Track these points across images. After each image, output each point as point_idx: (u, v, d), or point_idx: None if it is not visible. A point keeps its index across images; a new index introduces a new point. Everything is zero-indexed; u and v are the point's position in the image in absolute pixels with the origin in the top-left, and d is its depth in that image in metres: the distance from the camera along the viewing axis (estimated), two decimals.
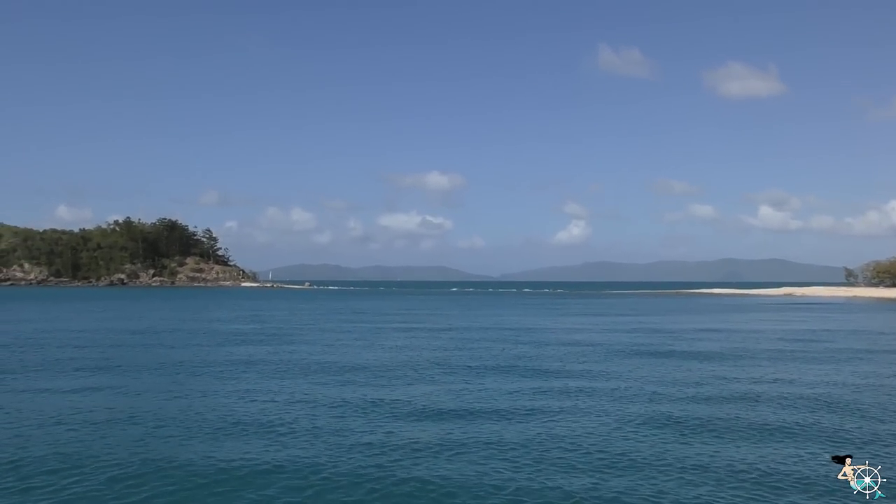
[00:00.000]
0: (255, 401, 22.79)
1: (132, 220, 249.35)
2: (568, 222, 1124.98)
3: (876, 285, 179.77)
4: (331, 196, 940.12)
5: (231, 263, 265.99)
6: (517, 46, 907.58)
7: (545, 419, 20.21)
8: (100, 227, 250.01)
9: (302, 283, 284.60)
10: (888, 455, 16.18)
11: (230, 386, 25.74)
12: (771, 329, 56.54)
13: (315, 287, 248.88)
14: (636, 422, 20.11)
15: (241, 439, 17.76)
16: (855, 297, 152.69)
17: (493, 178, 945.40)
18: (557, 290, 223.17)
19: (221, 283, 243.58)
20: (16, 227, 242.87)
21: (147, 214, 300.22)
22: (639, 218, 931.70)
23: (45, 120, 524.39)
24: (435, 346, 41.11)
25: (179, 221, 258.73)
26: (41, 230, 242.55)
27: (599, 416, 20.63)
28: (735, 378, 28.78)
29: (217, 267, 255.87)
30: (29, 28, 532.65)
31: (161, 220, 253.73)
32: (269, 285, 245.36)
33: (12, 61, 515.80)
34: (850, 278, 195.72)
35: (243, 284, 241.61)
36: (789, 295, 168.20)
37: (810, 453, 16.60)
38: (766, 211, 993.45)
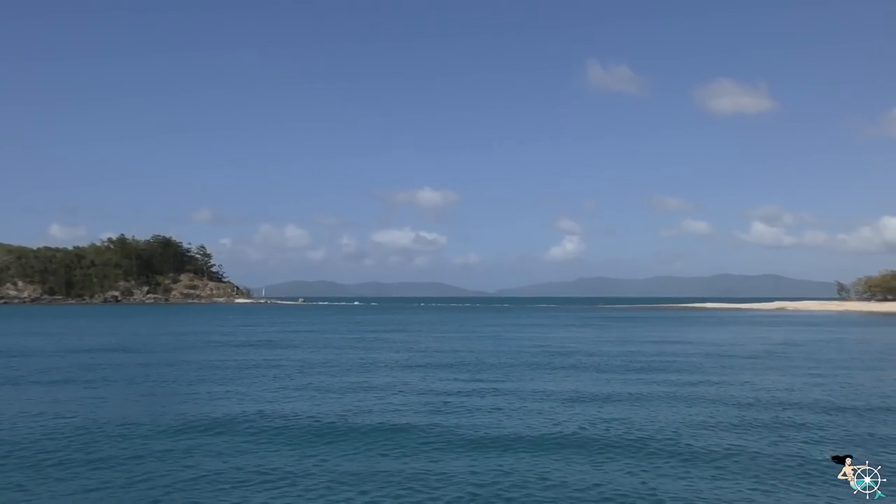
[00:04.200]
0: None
1: (126, 237, 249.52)
2: (562, 238, 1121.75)
3: (868, 300, 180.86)
4: (324, 213, 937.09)
5: (225, 280, 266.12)
6: (505, 62, 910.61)
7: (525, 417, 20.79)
8: (94, 244, 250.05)
9: (296, 299, 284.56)
10: (888, 455, 16.26)
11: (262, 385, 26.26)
12: (760, 338, 57.17)
13: (308, 303, 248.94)
14: (636, 423, 20.67)
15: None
16: (846, 311, 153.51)
17: (486, 194, 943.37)
18: (560, 304, 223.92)
19: (215, 299, 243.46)
20: (9, 245, 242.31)
21: (141, 232, 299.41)
22: (633, 234, 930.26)
23: (37, 139, 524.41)
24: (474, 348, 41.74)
25: (173, 238, 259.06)
26: (35, 248, 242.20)
27: (592, 418, 21.14)
28: (732, 383, 29.59)
29: (211, 283, 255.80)
30: (28, 62, 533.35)
31: (155, 237, 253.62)
32: (262, 301, 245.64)
33: (9, 85, 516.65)
34: (841, 293, 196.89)
35: (237, 301, 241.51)
36: (781, 309, 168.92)
37: (810, 453, 16.74)
38: (759, 227, 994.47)
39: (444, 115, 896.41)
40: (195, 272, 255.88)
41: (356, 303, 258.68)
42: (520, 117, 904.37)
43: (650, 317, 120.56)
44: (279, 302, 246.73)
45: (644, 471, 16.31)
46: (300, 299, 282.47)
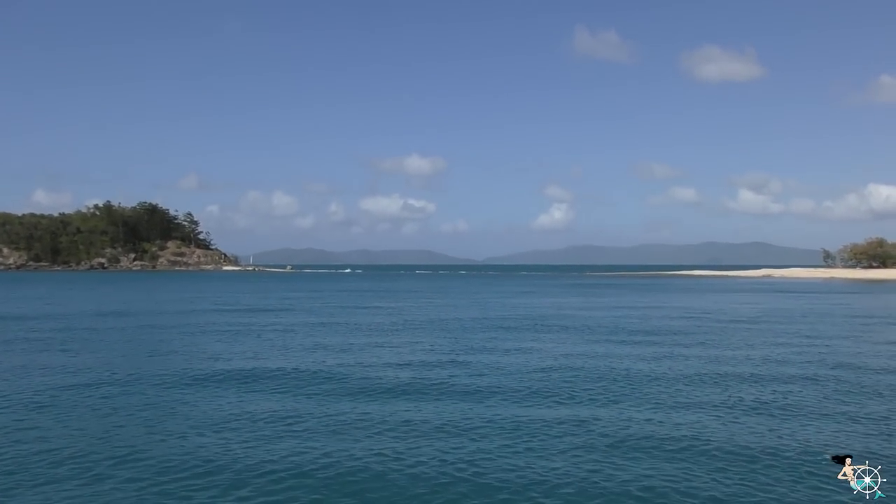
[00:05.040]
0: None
1: (112, 203, 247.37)
2: (550, 206, 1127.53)
3: (853, 267, 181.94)
4: (311, 179, 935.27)
5: (213, 247, 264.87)
6: (494, 29, 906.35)
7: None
8: (79, 211, 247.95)
9: (284, 266, 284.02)
10: (888, 455, 15.60)
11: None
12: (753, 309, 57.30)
13: (296, 270, 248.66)
14: (619, 406, 20.32)
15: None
16: (832, 278, 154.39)
17: (474, 161, 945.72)
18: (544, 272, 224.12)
19: (203, 266, 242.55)
20: None
21: (127, 199, 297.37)
22: (622, 201, 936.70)
23: (19, 104, 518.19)
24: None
25: (160, 205, 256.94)
26: (20, 214, 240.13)
27: (575, 397, 21.00)
28: (715, 352, 29.39)
29: (198, 251, 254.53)
30: (10, 32, 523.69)
31: (141, 204, 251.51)
32: (250, 269, 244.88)
33: None
34: (827, 260, 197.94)
35: (225, 268, 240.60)
36: (768, 276, 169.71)
37: (810, 452, 15.77)
38: (746, 194, 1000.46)
39: (432, 83, 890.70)
40: (182, 239, 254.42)
41: (347, 270, 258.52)
42: (507, 84, 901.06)
43: (637, 284, 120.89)
44: (267, 269, 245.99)
45: (632, 460, 15.97)
46: (288, 266, 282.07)
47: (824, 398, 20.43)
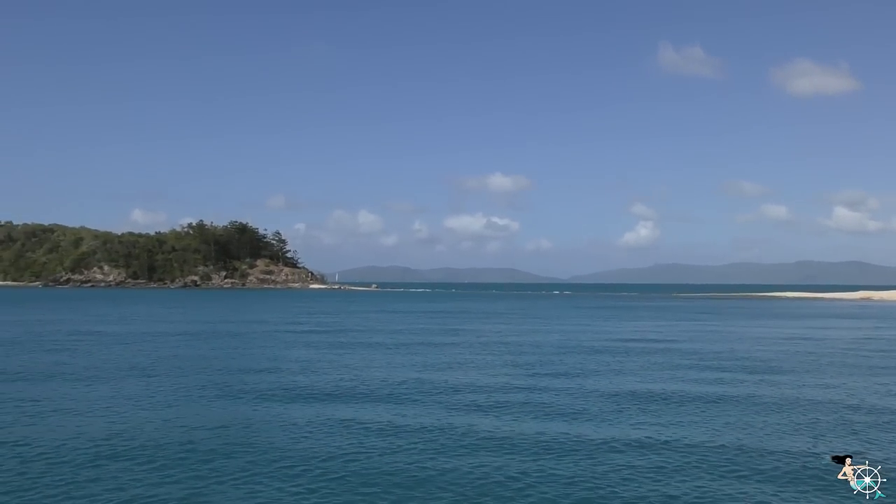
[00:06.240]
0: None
1: (204, 223, 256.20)
2: (636, 223, 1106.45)
3: None
4: (396, 198, 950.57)
5: (300, 266, 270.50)
6: (575, 46, 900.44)
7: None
8: (174, 230, 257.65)
9: (369, 284, 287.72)
10: (888, 455, 16.15)
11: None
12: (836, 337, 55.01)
13: (381, 289, 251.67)
14: (640, 416, 20.10)
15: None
16: None
17: (558, 179, 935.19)
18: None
19: (290, 284, 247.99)
20: (96, 230, 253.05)
21: (218, 218, 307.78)
22: (709, 219, 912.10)
23: (122, 126, 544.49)
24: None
25: (250, 224, 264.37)
26: (119, 233, 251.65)
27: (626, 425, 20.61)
28: (760, 381, 28.48)
29: (286, 269, 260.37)
30: (114, 59, 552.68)
31: (232, 223, 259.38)
32: (336, 287, 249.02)
33: (90, 63, 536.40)
34: None
35: (312, 286, 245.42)
36: (867, 299, 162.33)
37: (811, 453, 16.62)
38: (841, 211, 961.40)
39: (514, 100, 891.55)
40: (271, 258, 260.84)
41: (428, 290, 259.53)
42: (590, 101, 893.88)
43: (725, 308, 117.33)
44: (353, 288, 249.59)
45: (650, 466, 16.22)
46: (373, 285, 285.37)
47: None
